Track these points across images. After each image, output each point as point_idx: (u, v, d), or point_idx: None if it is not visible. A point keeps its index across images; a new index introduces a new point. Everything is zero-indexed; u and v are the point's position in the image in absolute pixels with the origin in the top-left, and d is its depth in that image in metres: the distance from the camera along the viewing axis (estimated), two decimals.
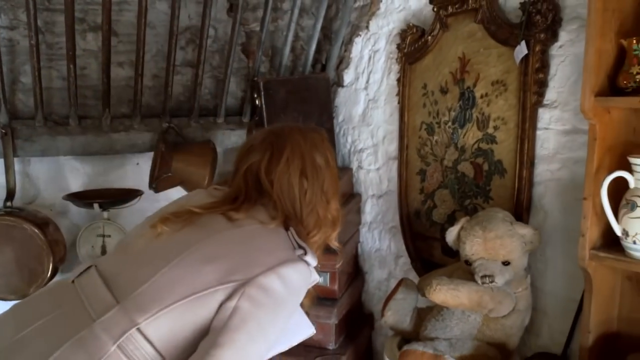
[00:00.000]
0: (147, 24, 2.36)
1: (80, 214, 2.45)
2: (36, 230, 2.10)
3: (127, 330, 1.07)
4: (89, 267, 1.23)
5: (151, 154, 2.41)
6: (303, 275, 1.18)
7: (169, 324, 1.09)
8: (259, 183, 1.28)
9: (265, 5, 2.37)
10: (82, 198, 2.30)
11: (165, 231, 1.20)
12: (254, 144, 1.34)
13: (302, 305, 1.27)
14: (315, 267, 1.26)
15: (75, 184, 2.46)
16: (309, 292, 1.28)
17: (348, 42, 2.63)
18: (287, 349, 1.27)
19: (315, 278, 1.25)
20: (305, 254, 1.20)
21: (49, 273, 2.13)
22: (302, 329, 1.29)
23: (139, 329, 1.08)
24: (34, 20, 2.05)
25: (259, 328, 1.11)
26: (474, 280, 1.72)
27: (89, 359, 1.06)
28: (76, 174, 2.47)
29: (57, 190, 2.40)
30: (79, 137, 2.33)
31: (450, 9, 2.03)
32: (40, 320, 1.15)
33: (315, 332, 1.32)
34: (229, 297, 1.09)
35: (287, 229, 1.25)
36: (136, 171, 2.55)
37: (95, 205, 2.20)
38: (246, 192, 1.28)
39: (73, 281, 1.22)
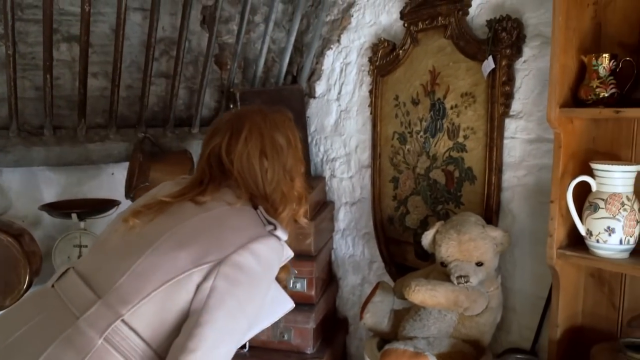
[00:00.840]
0: None
1: (53, 224, 2.43)
2: (12, 241, 2.07)
3: (111, 322, 1.10)
4: (67, 270, 1.25)
5: (126, 164, 2.42)
6: (275, 249, 1.22)
7: (151, 312, 1.12)
8: (222, 164, 1.31)
9: (240, 19, 2.43)
10: (57, 208, 2.28)
11: (137, 224, 1.23)
12: (217, 127, 1.38)
13: (279, 280, 1.31)
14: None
15: (49, 195, 2.44)
16: (285, 266, 1.32)
17: (320, 55, 2.72)
18: (269, 325, 1.30)
19: (289, 254, 1.30)
20: (275, 229, 1.23)
21: (26, 284, 2.10)
22: (281, 304, 1.33)
23: (123, 320, 1.10)
24: (11, 30, 2.04)
25: (237, 305, 1.14)
26: (449, 281, 1.82)
27: (77, 355, 1.08)
28: (50, 185, 2.45)
29: (30, 201, 2.37)
30: (54, 147, 2.32)
31: (420, 25, 2.15)
32: (25, 326, 1.16)
33: (294, 305, 1.35)
34: (205, 278, 1.12)
35: (255, 207, 1.29)
36: (111, 181, 2.55)
37: (74, 216, 2.19)
38: (210, 175, 1.31)
39: (53, 286, 1.23)
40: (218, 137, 1.34)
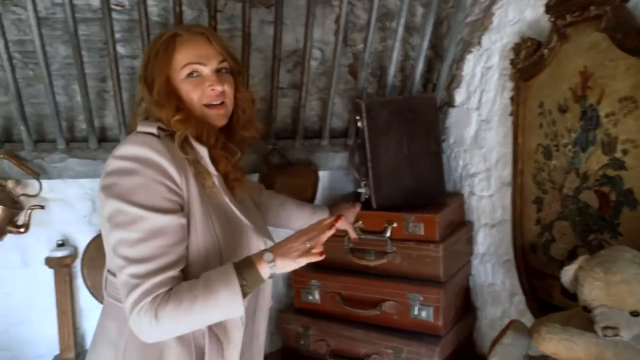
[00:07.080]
0: (256, 49, 2.41)
1: None
2: None
3: (103, 277, 1.45)
4: None
5: (256, 175, 2.43)
6: (138, 141, 1.28)
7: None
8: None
9: (367, 25, 2.29)
10: None
11: None
12: None
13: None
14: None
15: None
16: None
17: (459, 60, 2.47)
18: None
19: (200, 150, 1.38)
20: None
21: None
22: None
23: (108, 271, 1.41)
24: None
25: (121, 199, 1.24)
26: (593, 331, 1.47)
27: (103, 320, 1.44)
28: None
29: None
30: None
31: (568, 18, 1.79)
32: None
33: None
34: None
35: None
36: None
37: None
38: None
39: None
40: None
